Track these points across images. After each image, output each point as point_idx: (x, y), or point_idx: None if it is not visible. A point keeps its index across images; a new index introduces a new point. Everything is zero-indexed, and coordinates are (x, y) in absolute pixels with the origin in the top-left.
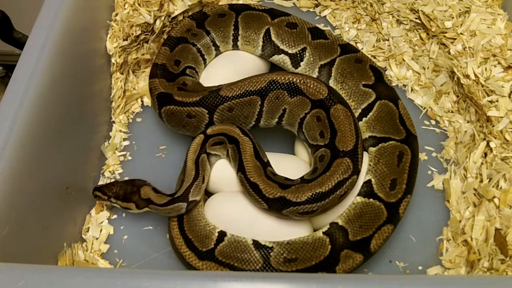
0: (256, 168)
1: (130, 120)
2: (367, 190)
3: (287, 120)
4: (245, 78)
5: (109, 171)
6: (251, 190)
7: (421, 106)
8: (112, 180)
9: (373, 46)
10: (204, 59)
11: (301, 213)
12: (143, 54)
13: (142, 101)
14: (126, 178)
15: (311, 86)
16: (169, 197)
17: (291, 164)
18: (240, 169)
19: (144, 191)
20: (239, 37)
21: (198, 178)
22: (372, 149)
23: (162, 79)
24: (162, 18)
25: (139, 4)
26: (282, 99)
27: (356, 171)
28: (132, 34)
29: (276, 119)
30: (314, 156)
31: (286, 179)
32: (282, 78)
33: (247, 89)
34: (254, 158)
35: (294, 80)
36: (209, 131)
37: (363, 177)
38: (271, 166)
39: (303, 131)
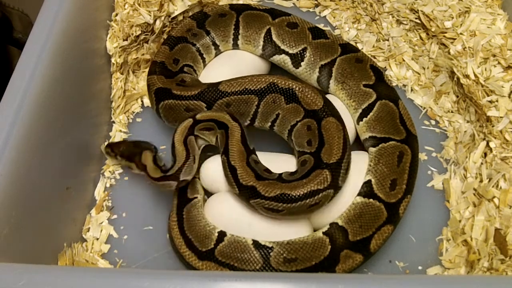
0: (240, 153)
1: (130, 120)
2: (367, 190)
3: (279, 126)
4: (245, 76)
5: (109, 171)
6: (229, 173)
7: (421, 106)
8: (113, 180)
9: (373, 46)
10: (203, 59)
11: (266, 208)
12: (143, 54)
13: (142, 101)
14: (126, 179)
15: (308, 96)
16: (162, 173)
17: (286, 164)
18: (225, 152)
19: (145, 156)
20: (240, 37)
21: (190, 158)
22: (372, 149)
23: (160, 75)
24: (162, 18)
25: (139, 4)
26: (278, 104)
27: (334, 186)
28: (132, 34)
29: (269, 123)
30: (298, 160)
31: (266, 170)
32: (282, 82)
33: (246, 87)
34: (240, 143)
35: (294, 87)
36: (198, 116)
37: (363, 177)
38: (255, 155)
39: (292, 138)
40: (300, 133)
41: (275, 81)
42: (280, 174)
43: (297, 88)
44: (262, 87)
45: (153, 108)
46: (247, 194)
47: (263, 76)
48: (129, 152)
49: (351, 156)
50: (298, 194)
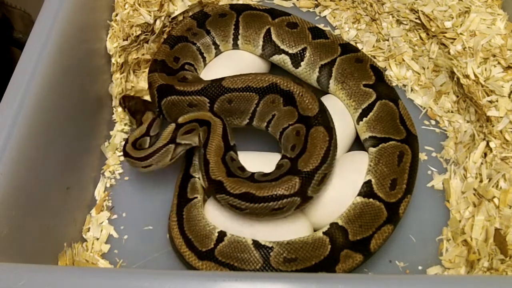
0: (217, 148)
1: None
2: (367, 190)
3: (273, 127)
4: (249, 73)
5: (109, 171)
6: (203, 165)
7: (421, 106)
8: (113, 180)
9: (373, 46)
10: (204, 58)
11: (231, 204)
12: (143, 54)
13: None
14: (126, 179)
15: (306, 101)
16: (129, 143)
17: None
18: (204, 145)
19: (146, 116)
20: (240, 37)
21: (144, 161)
22: (372, 149)
23: (161, 73)
24: (162, 18)
25: (139, 4)
26: (276, 105)
27: (302, 195)
28: (132, 34)
29: (265, 123)
30: (277, 162)
31: (241, 168)
32: (284, 84)
33: (249, 84)
34: (220, 138)
35: (293, 90)
36: (180, 120)
37: (363, 177)
38: (235, 152)
39: (282, 140)
40: (289, 136)
41: (277, 81)
42: (253, 174)
43: (296, 92)
44: (263, 86)
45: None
46: (214, 188)
47: (266, 75)
48: (135, 109)
49: (348, 157)
50: (262, 195)
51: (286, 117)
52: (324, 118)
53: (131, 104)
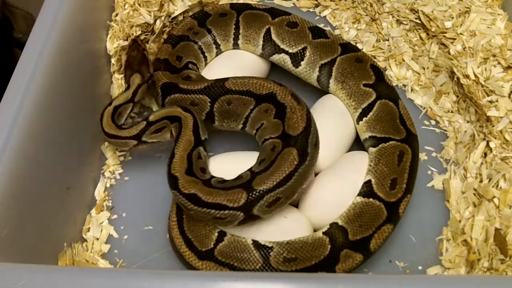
0: (187, 142)
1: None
2: (367, 190)
3: (258, 136)
4: (253, 77)
5: (109, 171)
6: (168, 159)
7: (421, 106)
8: (113, 180)
9: (373, 46)
10: (205, 57)
11: (180, 203)
12: None
13: None
14: (126, 179)
15: (294, 119)
16: (111, 107)
17: None
18: (176, 139)
19: (133, 78)
20: (240, 36)
21: (105, 136)
22: (372, 149)
23: (165, 71)
24: (162, 18)
25: (139, 4)
26: (268, 115)
27: (246, 211)
28: (132, 34)
29: (255, 131)
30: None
31: (202, 169)
32: (281, 96)
33: (249, 89)
34: (191, 133)
35: (288, 104)
36: (151, 117)
37: (363, 177)
38: (205, 148)
39: (259, 151)
40: (265, 149)
41: (276, 91)
42: (212, 177)
43: (289, 108)
44: (262, 93)
45: (158, 105)
46: (170, 183)
47: (268, 82)
48: (130, 62)
49: (348, 157)
50: (206, 200)
51: (272, 129)
52: (302, 142)
53: (132, 54)
